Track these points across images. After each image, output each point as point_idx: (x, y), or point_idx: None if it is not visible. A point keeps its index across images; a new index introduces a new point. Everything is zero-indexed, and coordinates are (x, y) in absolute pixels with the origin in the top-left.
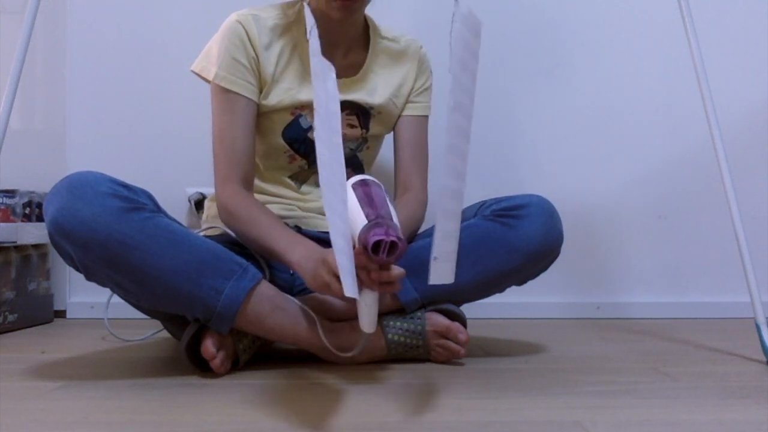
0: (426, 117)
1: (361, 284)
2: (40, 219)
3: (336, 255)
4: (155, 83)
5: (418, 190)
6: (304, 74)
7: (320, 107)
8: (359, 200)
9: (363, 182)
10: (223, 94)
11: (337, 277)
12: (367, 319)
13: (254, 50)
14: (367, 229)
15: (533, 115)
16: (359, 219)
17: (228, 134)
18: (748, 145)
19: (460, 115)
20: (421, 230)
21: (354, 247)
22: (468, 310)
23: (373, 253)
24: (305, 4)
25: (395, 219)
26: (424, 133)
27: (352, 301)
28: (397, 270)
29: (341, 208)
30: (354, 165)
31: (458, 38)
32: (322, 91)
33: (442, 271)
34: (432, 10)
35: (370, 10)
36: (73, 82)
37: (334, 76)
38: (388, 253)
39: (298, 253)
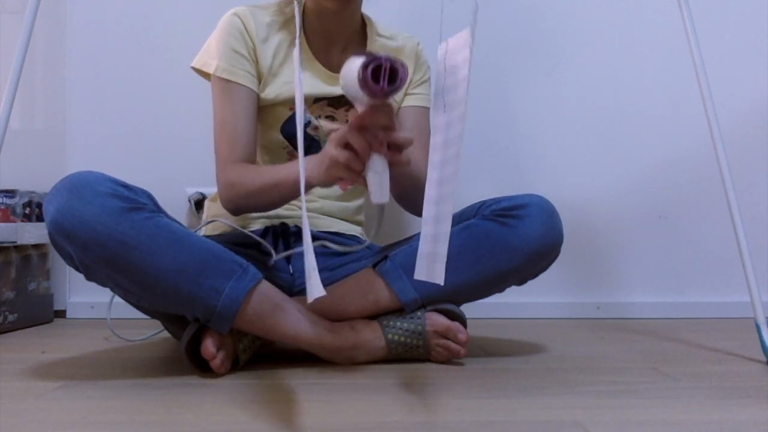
0: (427, 108)
1: (370, 148)
2: (40, 219)
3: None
4: (155, 83)
5: (421, 162)
6: (302, 67)
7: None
8: (357, 57)
9: (360, 52)
10: (225, 85)
11: (347, 147)
12: (378, 188)
13: (252, 42)
14: (364, 65)
15: (533, 115)
16: (357, 65)
17: (229, 122)
18: (748, 145)
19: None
20: (419, 230)
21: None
22: (468, 310)
23: (374, 82)
24: (296, 6)
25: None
26: (425, 123)
27: (358, 178)
28: (404, 135)
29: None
30: None
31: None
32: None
33: (433, 271)
34: (429, 9)
35: (366, 9)
36: (73, 82)
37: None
38: (390, 82)
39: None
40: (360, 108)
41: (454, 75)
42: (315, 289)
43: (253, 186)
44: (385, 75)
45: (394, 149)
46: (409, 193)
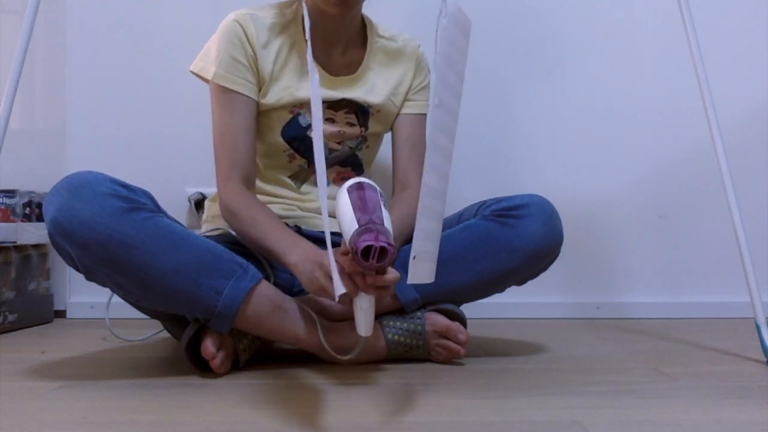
0: (424, 115)
1: (357, 288)
2: (40, 219)
3: (330, 255)
4: (155, 83)
5: (416, 188)
6: (303, 72)
7: (316, 116)
8: (352, 204)
9: (358, 185)
10: (223, 94)
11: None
12: (364, 322)
13: (252, 49)
14: (357, 235)
15: (533, 115)
16: (351, 223)
17: (229, 133)
18: (748, 145)
19: (444, 113)
20: None
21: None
22: (468, 310)
23: (363, 259)
24: (304, 5)
25: (388, 223)
26: (422, 131)
27: (349, 304)
28: (392, 274)
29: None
30: (354, 164)
31: (444, 35)
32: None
33: (422, 271)
34: (428, 10)
35: (366, 10)
36: (73, 82)
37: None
38: (378, 259)
39: (296, 255)
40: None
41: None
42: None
43: (247, 234)
44: (375, 252)
45: (381, 288)
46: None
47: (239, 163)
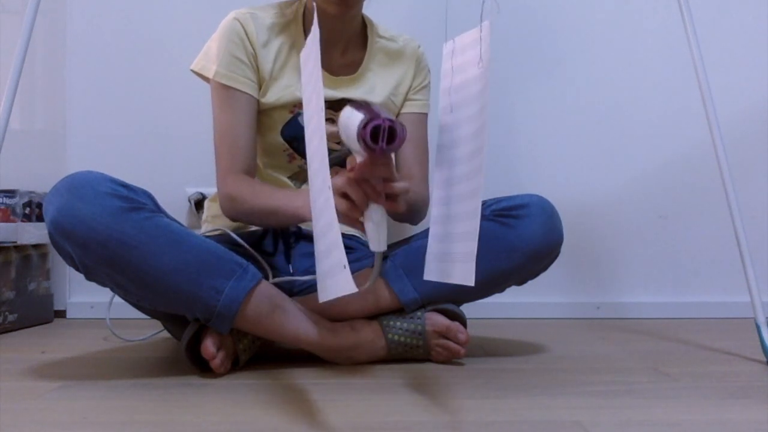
0: (425, 114)
1: (367, 199)
2: (40, 219)
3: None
4: (155, 83)
5: (419, 183)
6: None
7: (309, 101)
8: (357, 110)
9: (360, 101)
10: (224, 92)
11: (345, 197)
12: (376, 237)
13: (252, 47)
14: (363, 123)
15: (534, 115)
16: (356, 120)
17: (230, 131)
18: (748, 145)
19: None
20: (418, 230)
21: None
22: (468, 310)
23: (373, 143)
24: (314, 4)
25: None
26: (423, 131)
27: (360, 223)
28: (400, 184)
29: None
30: None
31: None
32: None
33: (464, 273)
34: (428, 10)
35: (366, 10)
36: (73, 82)
37: (320, 73)
38: (388, 141)
39: (302, 198)
40: (358, 158)
41: (462, 73)
42: (341, 286)
43: (252, 207)
44: (384, 134)
45: (391, 199)
46: (403, 215)
47: (240, 159)
